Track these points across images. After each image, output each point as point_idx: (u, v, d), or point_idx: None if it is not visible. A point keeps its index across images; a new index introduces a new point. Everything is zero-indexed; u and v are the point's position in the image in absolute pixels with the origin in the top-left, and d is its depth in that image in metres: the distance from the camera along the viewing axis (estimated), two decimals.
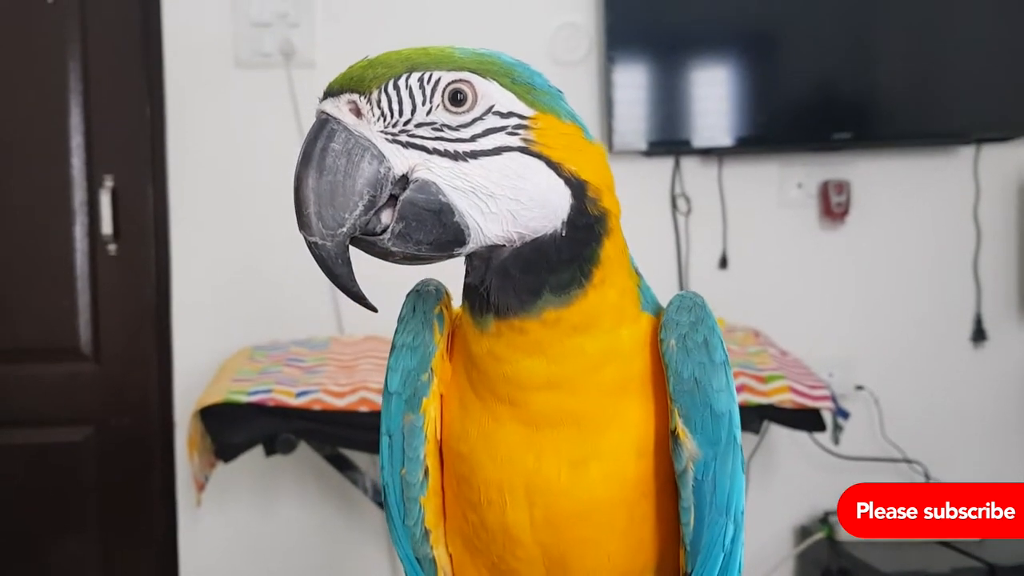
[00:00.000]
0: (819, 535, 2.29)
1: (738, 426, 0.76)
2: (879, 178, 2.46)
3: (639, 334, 0.75)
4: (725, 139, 2.38)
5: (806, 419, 1.99)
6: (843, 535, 2.23)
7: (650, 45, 2.39)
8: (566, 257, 0.71)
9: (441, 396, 0.78)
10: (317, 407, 1.84)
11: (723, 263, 2.44)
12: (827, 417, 2.01)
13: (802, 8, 2.37)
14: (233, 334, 2.27)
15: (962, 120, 2.41)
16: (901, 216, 2.48)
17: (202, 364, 2.24)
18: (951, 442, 2.48)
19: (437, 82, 0.69)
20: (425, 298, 0.80)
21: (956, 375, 2.50)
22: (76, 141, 2.35)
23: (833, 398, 1.96)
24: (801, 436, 2.33)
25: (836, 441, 2.08)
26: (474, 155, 0.69)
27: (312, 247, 0.67)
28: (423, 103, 0.69)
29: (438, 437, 0.79)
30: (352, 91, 0.68)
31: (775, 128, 2.39)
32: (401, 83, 0.68)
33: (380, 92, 0.68)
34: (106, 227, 2.33)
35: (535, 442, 0.73)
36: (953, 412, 2.50)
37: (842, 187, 2.42)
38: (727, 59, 2.42)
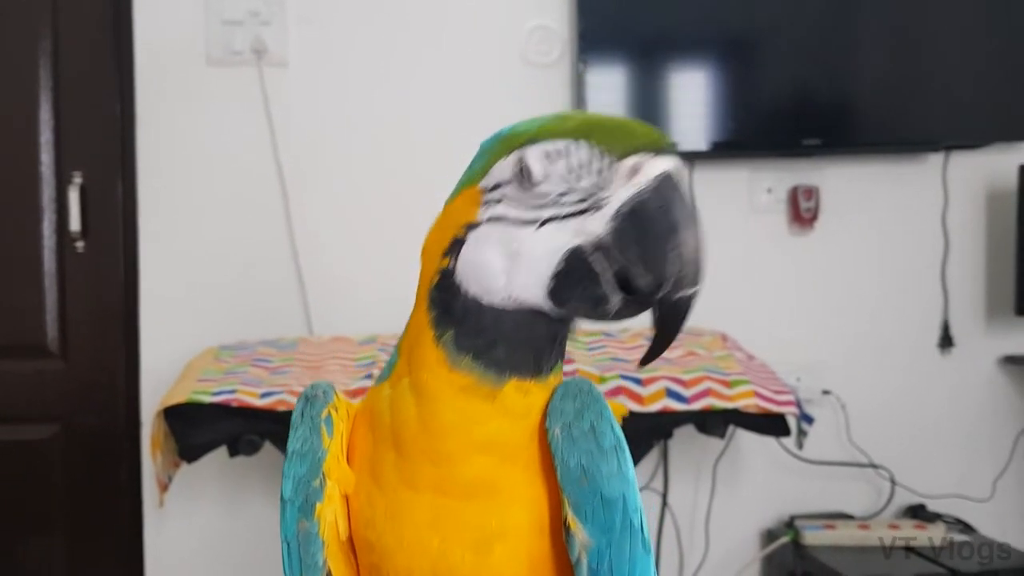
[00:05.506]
0: (785, 539, 2.30)
1: (635, 510, 0.74)
2: (848, 184, 2.48)
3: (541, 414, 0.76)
4: (698, 143, 2.38)
5: (771, 424, 1.99)
6: (809, 539, 2.25)
7: (623, 49, 2.39)
8: (569, 338, 0.76)
9: (347, 497, 0.78)
10: (281, 408, 1.83)
11: None
12: (792, 422, 2.02)
13: (775, 15, 2.38)
14: (201, 333, 2.26)
15: (931, 127, 2.42)
16: (870, 222, 2.50)
17: (170, 363, 2.23)
18: (917, 448, 2.50)
19: None
20: (313, 402, 0.79)
21: (923, 381, 2.52)
22: (45, 137, 2.33)
23: (798, 403, 1.96)
24: (768, 440, 2.34)
25: (800, 446, 2.09)
26: None
27: (687, 300, 0.72)
28: None
29: (344, 537, 0.78)
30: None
31: (746, 133, 2.39)
32: None
33: None
34: (74, 224, 2.31)
35: (442, 517, 0.73)
36: (919, 418, 2.52)
37: (811, 193, 2.43)
38: (700, 64, 2.43)
